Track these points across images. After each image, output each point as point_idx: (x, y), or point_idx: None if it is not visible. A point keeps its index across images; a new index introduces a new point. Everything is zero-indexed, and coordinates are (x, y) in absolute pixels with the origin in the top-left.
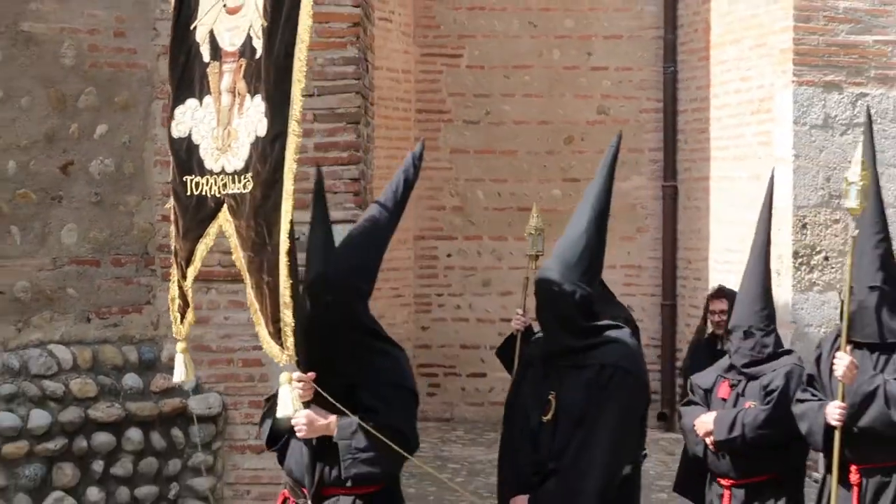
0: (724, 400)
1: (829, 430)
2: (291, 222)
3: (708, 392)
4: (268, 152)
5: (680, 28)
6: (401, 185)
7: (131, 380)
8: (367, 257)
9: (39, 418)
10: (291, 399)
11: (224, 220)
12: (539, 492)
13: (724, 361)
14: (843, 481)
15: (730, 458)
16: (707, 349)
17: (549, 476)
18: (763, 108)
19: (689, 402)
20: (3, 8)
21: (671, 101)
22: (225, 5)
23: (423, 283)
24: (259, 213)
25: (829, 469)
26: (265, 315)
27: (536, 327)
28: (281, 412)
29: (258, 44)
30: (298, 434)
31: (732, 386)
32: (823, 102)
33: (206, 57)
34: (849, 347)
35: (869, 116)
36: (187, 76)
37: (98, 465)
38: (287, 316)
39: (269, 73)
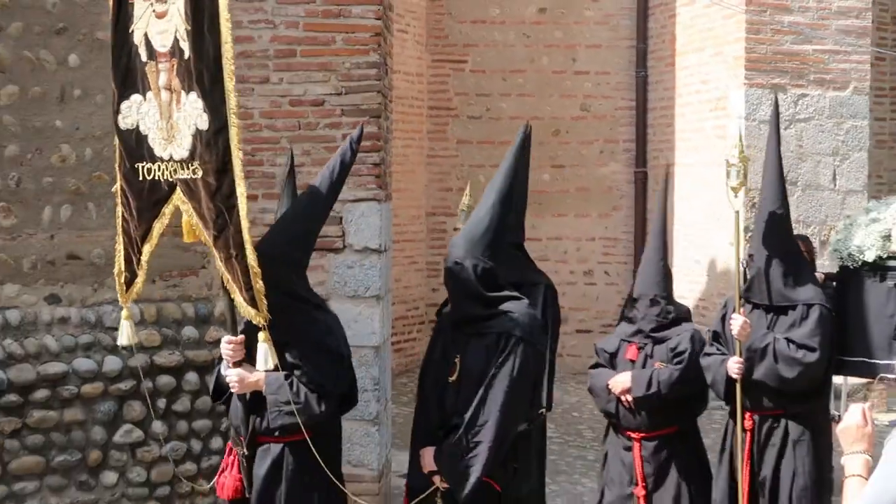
0: (633, 361)
1: (729, 381)
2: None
3: (613, 356)
4: (212, 144)
5: (650, 39)
6: (337, 165)
7: (189, 331)
8: (303, 231)
9: (112, 363)
10: (266, 355)
11: (179, 201)
12: (444, 444)
13: (625, 327)
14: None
15: (644, 414)
16: None
17: (452, 430)
18: (719, 107)
19: (597, 365)
20: (80, 20)
21: (642, 100)
22: (154, 10)
23: (433, 251)
24: (216, 197)
25: (731, 415)
26: (238, 284)
27: None
28: (261, 365)
29: (185, 45)
30: (232, 389)
31: (640, 348)
32: (770, 102)
33: (144, 57)
34: (745, 309)
35: (776, 106)
36: (130, 74)
37: (161, 403)
38: (259, 284)
39: (202, 73)
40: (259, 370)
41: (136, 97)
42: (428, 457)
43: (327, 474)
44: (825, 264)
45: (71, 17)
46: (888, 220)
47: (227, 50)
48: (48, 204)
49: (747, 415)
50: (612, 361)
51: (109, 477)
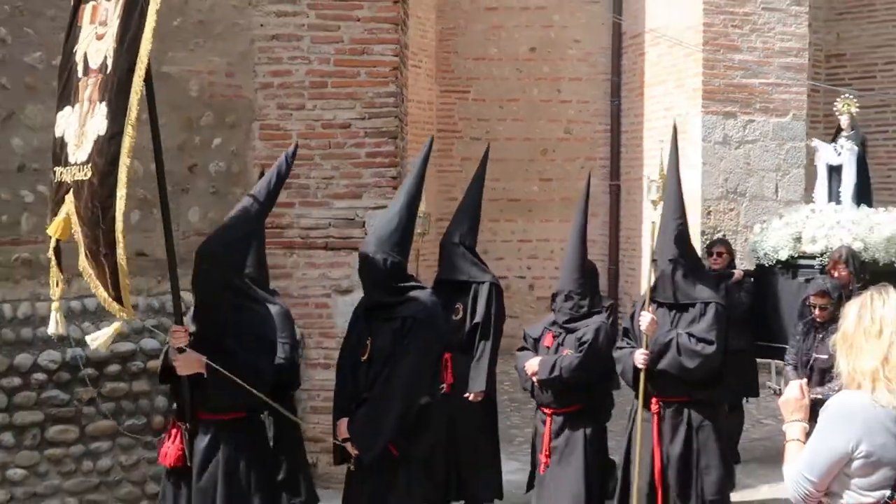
0: (548, 348)
1: (636, 370)
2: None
3: (536, 341)
4: (105, 148)
5: (623, 73)
6: (274, 177)
7: None
8: (241, 235)
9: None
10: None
11: (69, 202)
12: (355, 415)
13: (549, 317)
14: (647, 410)
15: (551, 393)
16: None
17: (362, 403)
18: (681, 130)
19: (522, 349)
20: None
21: (616, 124)
22: (96, 32)
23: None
24: (95, 196)
25: (637, 398)
26: (103, 280)
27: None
28: (93, 343)
29: (110, 62)
30: (178, 371)
31: (555, 337)
32: (723, 126)
33: (80, 73)
34: (653, 307)
35: (675, 132)
36: (66, 89)
37: (128, 379)
38: (125, 282)
39: (113, 84)
40: (198, 355)
41: (67, 109)
42: (342, 427)
43: (261, 447)
44: (743, 262)
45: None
46: (798, 224)
47: (141, 68)
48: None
49: (654, 400)
50: (535, 346)
51: None
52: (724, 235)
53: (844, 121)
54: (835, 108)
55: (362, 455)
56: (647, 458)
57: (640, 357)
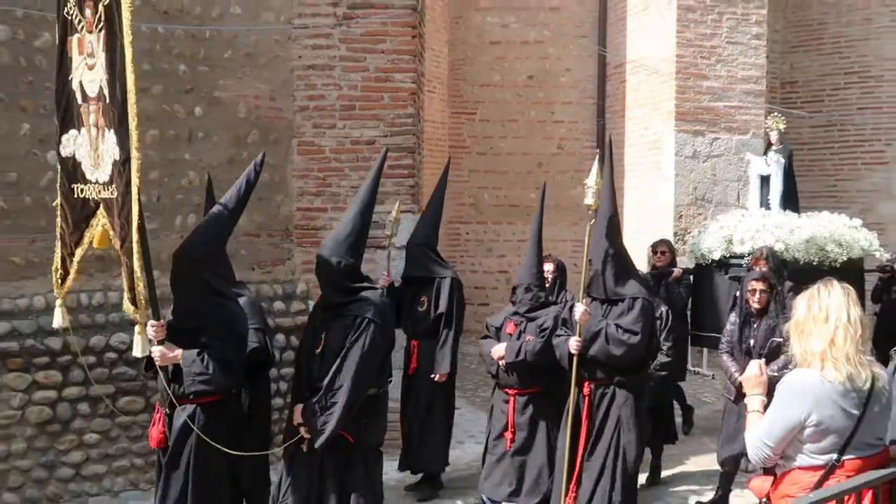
0: (511, 334)
1: (571, 356)
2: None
3: (498, 329)
4: (121, 171)
5: (607, 98)
6: (244, 184)
7: (278, 304)
8: (215, 237)
9: None
10: (141, 342)
11: (101, 216)
12: (308, 402)
13: (510, 308)
14: (580, 391)
15: (516, 375)
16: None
17: (315, 392)
18: (656, 147)
19: (486, 337)
20: (202, 83)
21: (601, 141)
22: (86, 63)
23: (450, 248)
24: (121, 214)
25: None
26: (127, 287)
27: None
28: (136, 353)
29: (106, 92)
30: (157, 363)
31: (517, 325)
32: (693, 143)
33: (79, 100)
34: (587, 300)
35: (610, 145)
36: (68, 113)
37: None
38: (139, 287)
39: (115, 114)
40: (176, 348)
41: (73, 132)
42: (297, 413)
43: (234, 427)
44: (684, 260)
45: (196, 80)
46: (731, 227)
47: (131, 96)
48: (179, 214)
49: (586, 384)
50: (498, 334)
51: None
52: (693, 236)
53: (774, 136)
54: (765, 126)
55: (313, 438)
56: (576, 433)
57: (573, 343)
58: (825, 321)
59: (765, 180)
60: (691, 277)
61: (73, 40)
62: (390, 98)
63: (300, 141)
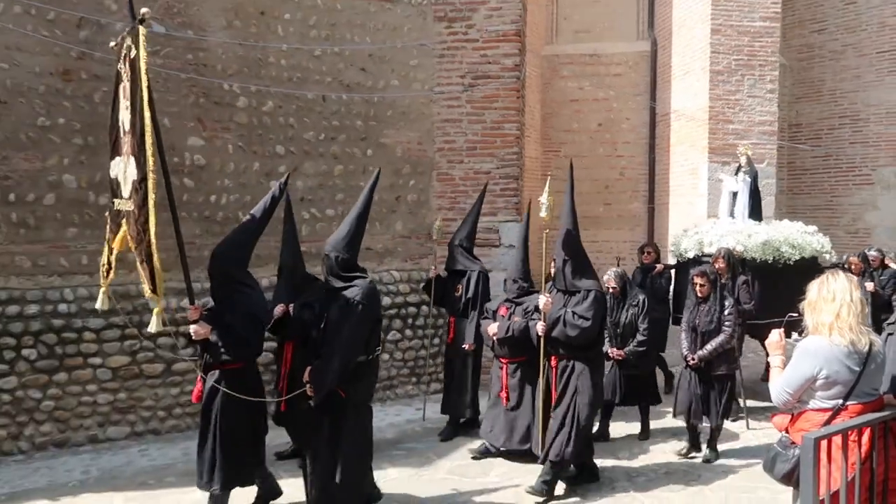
0: (503, 316)
1: (539, 336)
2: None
3: (494, 312)
4: (138, 188)
5: (657, 138)
6: (268, 200)
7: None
8: (244, 242)
9: (386, 300)
10: (156, 321)
11: (124, 224)
12: (314, 366)
13: (503, 295)
14: (548, 364)
15: (506, 348)
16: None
17: (318, 357)
18: (693, 173)
19: (485, 318)
20: (372, 133)
21: (651, 170)
22: (125, 105)
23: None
24: (137, 222)
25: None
26: (146, 278)
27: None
28: (152, 328)
29: (127, 126)
30: (194, 337)
31: (508, 309)
32: (721, 170)
33: (121, 134)
34: (554, 291)
35: (571, 169)
36: (116, 144)
37: (409, 321)
38: (160, 280)
39: (135, 143)
40: (208, 326)
41: (117, 158)
42: (306, 373)
43: (251, 388)
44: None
45: (367, 131)
46: (703, 233)
47: (147, 125)
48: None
49: (553, 358)
50: (494, 316)
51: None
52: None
53: (743, 160)
54: (738, 152)
55: (315, 394)
56: (546, 395)
57: (540, 326)
58: (832, 300)
59: (734, 195)
60: (672, 271)
61: (122, 86)
62: (501, 141)
63: (438, 172)
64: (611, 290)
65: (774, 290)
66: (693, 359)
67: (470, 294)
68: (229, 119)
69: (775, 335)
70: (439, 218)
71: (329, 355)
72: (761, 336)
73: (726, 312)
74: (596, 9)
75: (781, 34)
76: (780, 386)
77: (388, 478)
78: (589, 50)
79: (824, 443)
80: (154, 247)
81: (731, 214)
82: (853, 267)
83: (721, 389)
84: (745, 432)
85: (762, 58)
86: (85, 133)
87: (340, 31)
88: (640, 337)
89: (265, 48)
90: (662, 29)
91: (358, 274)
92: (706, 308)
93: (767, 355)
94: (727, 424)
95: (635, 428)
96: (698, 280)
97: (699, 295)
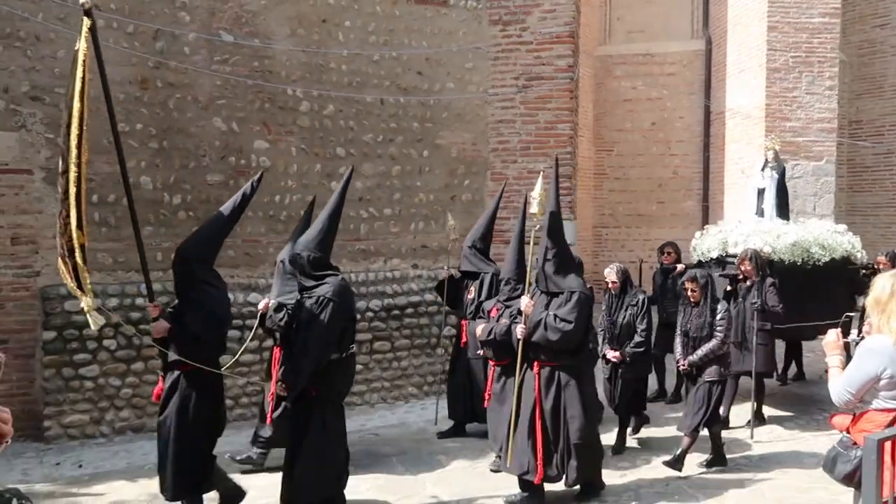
0: (492, 316)
1: (518, 340)
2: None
3: (488, 313)
4: (59, 181)
5: (711, 136)
6: (239, 197)
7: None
8: (211, 239)
9: (399, 297)
10: (93, 319)
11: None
12: (286, 364)
13: (498, 296)
14: (531, 370)
15: (491, 349)
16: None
17: (292, 356)
18: (749, 173)
19: (480, 317)
20: (428, 134)
21: (706, 168)
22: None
23: (596, 247)
24: (60, 214)
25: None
26: (69, 275)
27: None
28: (93, 326)
29: (65, 119)
30: (153, 334)
31: (498, 310)
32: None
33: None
34: (536, 294)
35: (556, 165)
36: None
37: (432, 309)
38: (84, 276)
39: (64, 135)
40: (166, 324)
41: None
42: (279, 372)
43: (210, 390)
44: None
45: (424, 133)
46: (727, 232)
47: (74, 122)
48: (412, 222)
49: (536, 363)
50: (487, 316)
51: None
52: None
53: (770, 155)
54: (765, 146)
55: (288, 392)
56: (530, 404)
57: (519, 329)
58: None
59: (760, 192)
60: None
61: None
62: (555, 141)
63: (492, 172)
64: (610, 286)
65: (804, 292)
66: (684, 364)
67: (483, 297)
68: (293, 123)
69: (832, 335)
70: (451, 218)
71: (301, 353)
72: (799, 338)
73: (718, 317)
74: (649, 9)
75: (841, 30)
76: (842, 386)
77: (393, 479)
78: (642, 50)
79: (888, 444)
80: (76, 241)
81: (759, 213)
82: (881, 266)
83: (709, 394)
84: (752, 443)
85: (821, 54)
86: (160, 138)
87: (398, 36)
88: (637, 338)
89: (326, 54)
90: (717, 27)
91: (330, 272)
92: (697, 312)
93: (796, 356)
94: (737, 433)
95: (649, 433)
96: (689, 285)
97: (692, 299)
